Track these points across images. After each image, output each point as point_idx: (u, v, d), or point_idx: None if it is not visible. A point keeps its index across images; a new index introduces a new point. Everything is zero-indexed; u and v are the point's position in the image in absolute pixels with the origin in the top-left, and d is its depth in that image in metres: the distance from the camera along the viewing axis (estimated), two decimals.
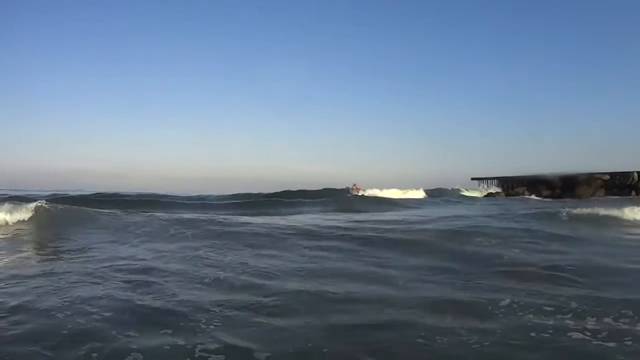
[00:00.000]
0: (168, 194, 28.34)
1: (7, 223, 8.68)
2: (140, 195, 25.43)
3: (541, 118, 63.93)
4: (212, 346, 2.96)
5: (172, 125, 72.81)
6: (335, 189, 29.60)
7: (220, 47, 67.00)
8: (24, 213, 9.07)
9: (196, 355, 2.83)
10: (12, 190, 30.08)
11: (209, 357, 2.82)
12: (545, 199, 29.21)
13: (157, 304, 3.87)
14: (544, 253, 6.22)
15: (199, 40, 66.10)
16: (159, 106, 70.17)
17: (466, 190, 36.88)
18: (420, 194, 31.70)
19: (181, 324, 3.38)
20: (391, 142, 68.98)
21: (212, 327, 3.33)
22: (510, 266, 5.36)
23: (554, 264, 5.36)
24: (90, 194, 25.41)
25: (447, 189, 36.70)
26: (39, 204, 9.54)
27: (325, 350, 2.93)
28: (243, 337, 3.13)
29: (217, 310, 3.67)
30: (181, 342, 3.02)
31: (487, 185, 37.28)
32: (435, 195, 32.48)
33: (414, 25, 67.09)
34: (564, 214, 10.48)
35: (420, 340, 3.05)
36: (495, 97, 66.25)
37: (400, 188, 30.97)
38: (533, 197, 30.97)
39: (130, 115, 69.39)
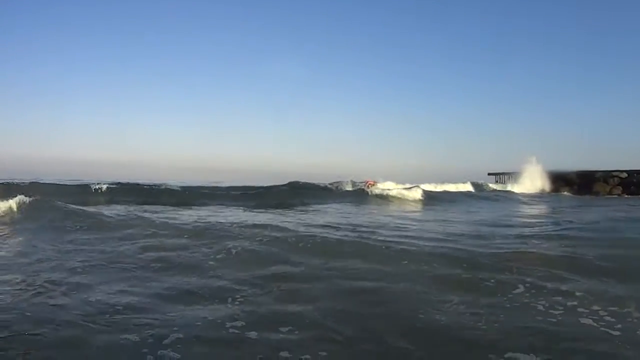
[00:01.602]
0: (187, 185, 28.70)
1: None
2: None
3: (552, 114, 63.08)
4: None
5: (172, 118, 73.27)
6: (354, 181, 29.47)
7: (222, 41, 67.07)
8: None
9: (228, 326, 3.36)
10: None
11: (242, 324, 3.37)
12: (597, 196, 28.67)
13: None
14: None
15: (202, 35, 66.18)
16: (160, 99, 70.53)
17: (510, 185, 35.00)
18: (467, 187, 29.49)
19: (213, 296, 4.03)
20: (400, 138, 68.71)
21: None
22: None
23: None
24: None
25: (487, 184, 35.49)
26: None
27: None
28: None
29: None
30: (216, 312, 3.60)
31: (505, 181, 37.38)
32: (481, 189, 30.45)
33: (429, 14, 66.28)
34: None
35: (422, 316, 3.54)
36: (505, 93, 65.41)
37: (413, 183, 27.58)
38: (566, 193, 30.87)
39: (135, 110, 70.01)
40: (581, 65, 61.37)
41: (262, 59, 69.67)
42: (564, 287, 4.34)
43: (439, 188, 27.07)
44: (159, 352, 2.95)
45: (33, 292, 4.13)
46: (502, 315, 3.67)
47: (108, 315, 3.56)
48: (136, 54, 66.64)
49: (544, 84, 64.60)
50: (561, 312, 3.74)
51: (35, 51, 59.97)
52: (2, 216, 9.18)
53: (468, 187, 29.59)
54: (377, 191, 21.18)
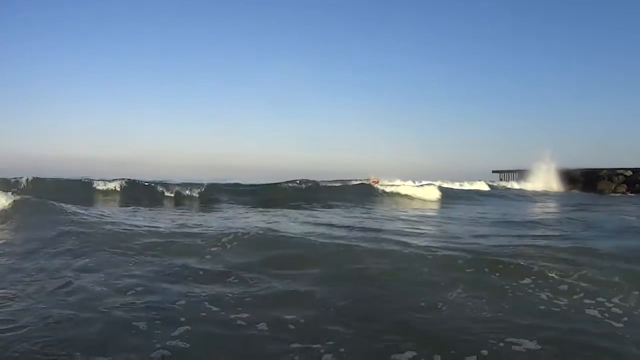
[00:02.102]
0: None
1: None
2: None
3: (554, 111, 62.51)
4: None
5: (174, 116, 73.37)
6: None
7: (222, 39, 67.10)
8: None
9: (234, 317, 3.41)
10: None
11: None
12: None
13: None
14: None
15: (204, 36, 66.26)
16: (162, 97, 70.61)
17: (522, 183, 33.80)
18: (481, 186, 28.66)
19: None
20: (401, 136, 68.26)
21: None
22: None
23: None
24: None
25: (500, 183, 34.81)
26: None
27: None
28: None
29: None
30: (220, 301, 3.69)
31: (509, 179, 37.23)
32: (494, 188, 29.67)
33: (428, 11, 65.90)
34: None
35: (424, 304, 3.59)
36: (507, 90, 64.85)
37: (420, 181, 25.57)
38: (575, 191, 30.67)
39: (135, 108, 70.12)
40: (583, 61, 60.83)
41: (262, 56, 69.58)
42: (569, 279, 4.33)
43: (451, 186, 26.50)
44: (167, 342, 2.99)
45: (36, 282, 4.18)
46: (505, 304, 3.69)
47: (114, 301, 3.63)
48: (136, 53, 66.62)
49: (545, 81, 64.15)
50: (566, 302, 3.75)
51: (35, 51, 60.11)
52: None
53: (483, 186, 28.99)
54: (388, 189, 19.89)
